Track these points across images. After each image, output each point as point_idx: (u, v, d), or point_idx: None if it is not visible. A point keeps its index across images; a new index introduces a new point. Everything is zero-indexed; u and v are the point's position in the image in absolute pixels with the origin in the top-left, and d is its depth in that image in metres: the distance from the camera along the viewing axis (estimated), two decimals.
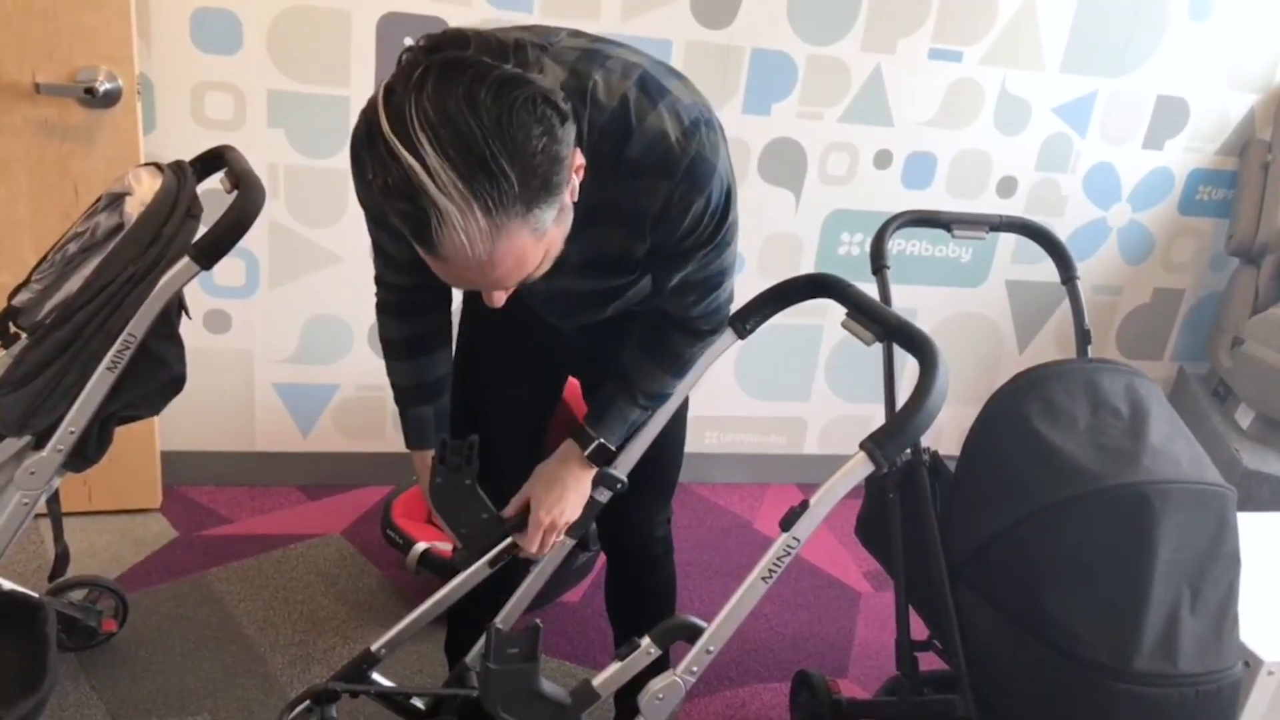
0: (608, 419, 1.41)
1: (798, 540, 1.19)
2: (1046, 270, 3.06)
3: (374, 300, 1.46)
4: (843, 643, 2.41)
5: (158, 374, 1.51)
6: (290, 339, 2.60)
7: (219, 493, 2.66)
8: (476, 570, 1.51)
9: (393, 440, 2.75)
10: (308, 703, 1.49)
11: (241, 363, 2.60)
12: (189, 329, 2.57)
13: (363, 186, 1.28)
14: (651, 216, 1.21)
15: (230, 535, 2.50)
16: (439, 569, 2.16)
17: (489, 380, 1.60)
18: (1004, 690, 1.58)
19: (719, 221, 1.24)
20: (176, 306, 1.52)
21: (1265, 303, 2.95)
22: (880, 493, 1.91)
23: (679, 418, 1.59)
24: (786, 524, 1.19)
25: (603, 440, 1.41)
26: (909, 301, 2.96)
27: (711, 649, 1.17)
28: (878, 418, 3.10)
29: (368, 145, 0.99)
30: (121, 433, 2.44)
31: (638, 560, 1.72)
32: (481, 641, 1.59)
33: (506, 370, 1.59)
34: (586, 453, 1.41)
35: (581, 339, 1.50)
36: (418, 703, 1.61)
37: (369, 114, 1.02)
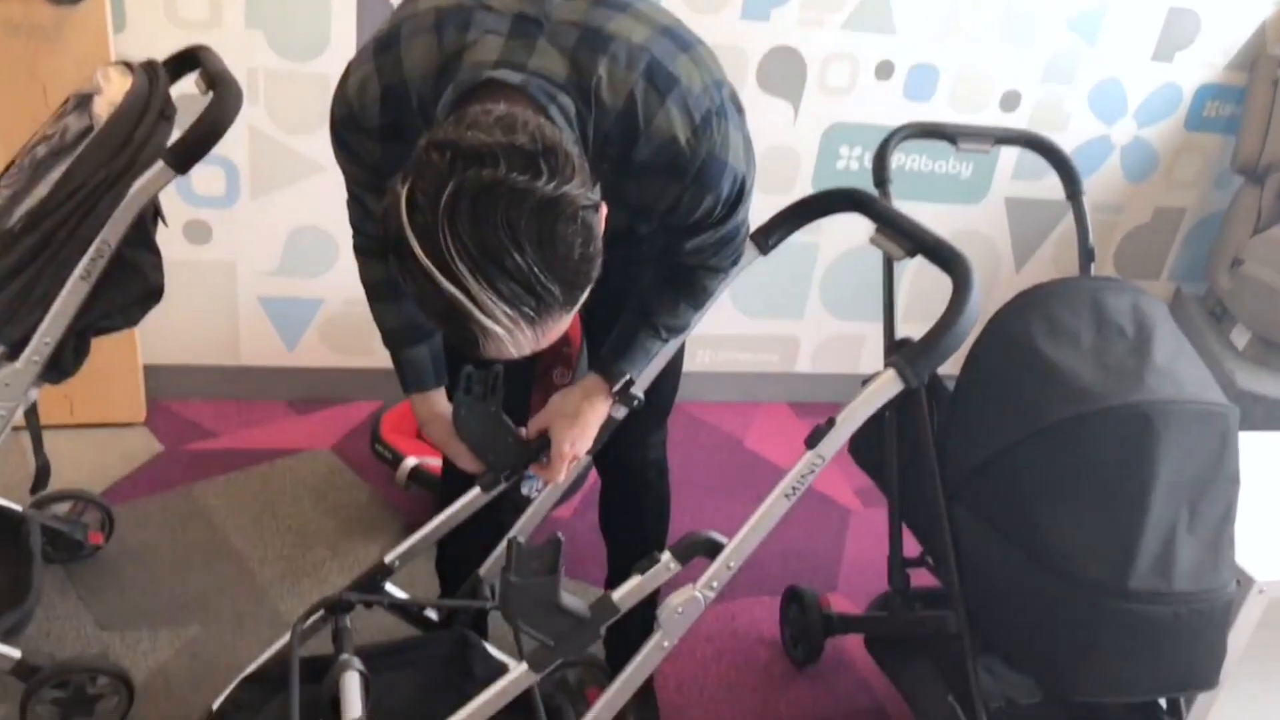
0: (631, 352, 1.38)
1: (822, 458, 1.17)
2: (1047, 188, 3.01)
3: (351, 241, 1.40)
4: (832, 558, 2.42)
5: (134, 284, 1.45)
6: (273, 251, 2.54)
7: (204, 407, 2.62)
8: (479, 495, 1.48)
9: (380, 356, 2.68)
10: (321, 612, 1.48)
11: (224, 275, 2.54)
12: (168, 239, 2.53)
13: (346, 158, 1.24)
14: (659, 210, 1.20)
15: (217, 449, 2.48)
16: (430, 484, 2.15)
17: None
18: (996, 607, 1.58)
19: (733, 206, 1.23)
20: (152, 213, 1.46)
21: (1267, 223, 2.90)
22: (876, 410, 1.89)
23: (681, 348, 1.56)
24: (812, 441, 1.17)
25: (629, 375, 1.38)
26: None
27: (732, 565, 1.16)
28: (872, 337, 3.11)
29: (394, 252, 0.95)
30: (101, 345, 2.38)
31: (632, 481, 1.70)
32: (497, 554, 1.58)
33: None
34: (615, 389, 1.38)
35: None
36: (431, 614, 1.60)
37: (391, 212, 0.95)
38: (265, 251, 2.53)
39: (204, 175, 2.42)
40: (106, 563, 2.07)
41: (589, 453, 1.43)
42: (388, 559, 1.50)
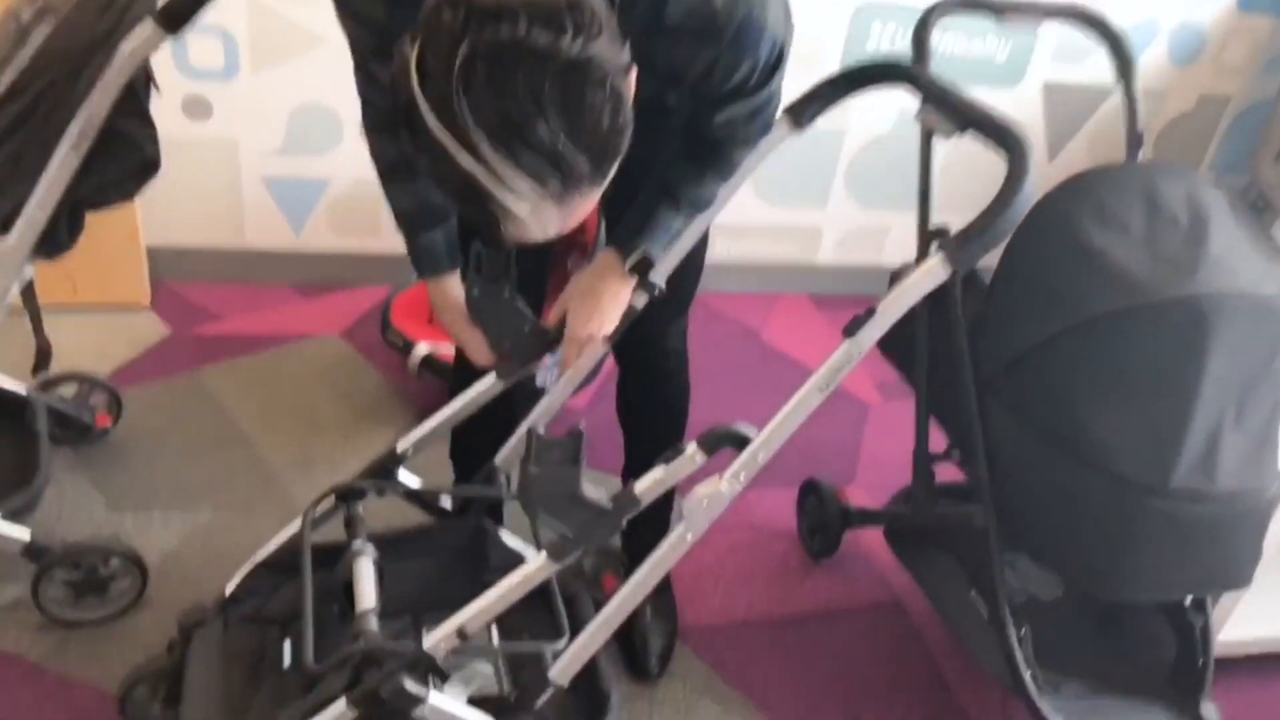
0: (649, 228, 1.29)
1: (861, 348, 1.10)
2: (1088, 71, 2.85)
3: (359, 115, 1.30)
4: (850, 452, 2.38)
5: (128, 156, 1.37)
6: (277, 128, 2.43)
7: (210, 290, 2.56)
8: (496, 383, 1.43)
9: (389, 239, 2.60)
10: (333, 499, 1.44)
11: (226, 153, 2.44)
12: (167, 116, 2.42)
13: (350, 20, 1.16)
14: (691, 77, 1.11)
15: (224, 334, 2.42)
16: (442, 372, 2.09)
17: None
18: (1027, 503, 1.54)
19: (770, 73, 1.16)
20: (144, 80, 1.37)
21: None
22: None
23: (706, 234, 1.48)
24: (851, 329, 1.10)
25: (646, 250, 1.30)
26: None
27: (761, 458, 1.11)
28: (898, 227, 3.01)
29: (405, 124, 0.87)
30: (102, 224, 2.30)
31: (651, 372, 1.64)
32: (513, 443, 1.53)
33: None
34: (629, 265, 1.30)
35: None
36: (446, 503, 1.57)
37: (400, 79, 0.87)
38: (268, 129, 2.43)
39: (201, 47, 2.29)
40: (116, 446, 2.04)
41: (608, 339, 1.36)
42: (399, 446, 1.46)
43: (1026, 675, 1.51)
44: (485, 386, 1.44)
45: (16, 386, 1.85)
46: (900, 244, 2.99)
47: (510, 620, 1.32)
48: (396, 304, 2.24)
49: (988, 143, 1.14)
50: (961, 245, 1.06)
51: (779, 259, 2.96)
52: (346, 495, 1.42)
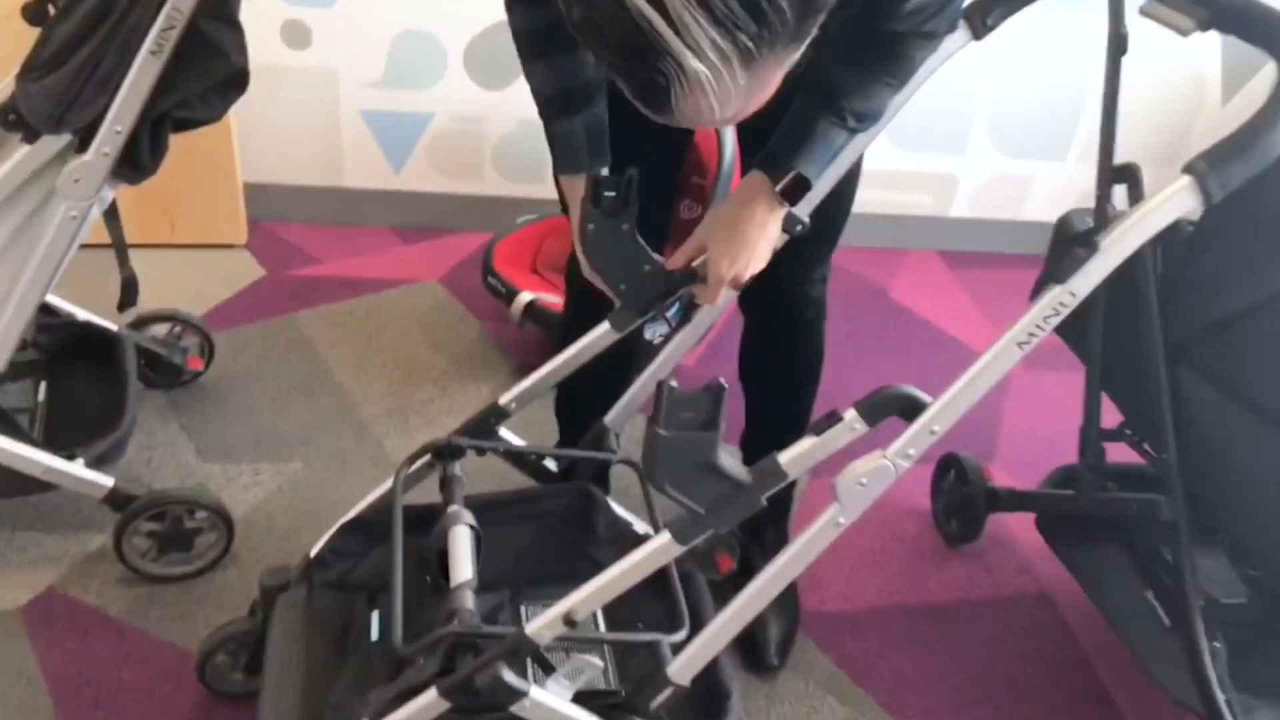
0: (808, 145, 1.09)
1: (1074, 295, 0.89)
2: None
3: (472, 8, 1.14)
4: (989, 426, 2.15)
5: (214, 64, 1.23)
6: (377, 58, 2.29)
7: (307, 231, 2.45)
8: (609, 331, 1.25)
9: (492, 181, 2.48)
10: (428, 457, 1.30)
11: (325, 84, 2.31)
12: (266, 43, 2.29)
13: None
14: None
15: (320, 276, 2.32)
16: (547, 322, 1.94)
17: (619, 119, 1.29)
18: (1228, 491, 1.31)
19: None
20: None
21: None
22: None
23: (857, 163, 1.27)
24: (1060, 274, 0.89)
25: (801, 171, 1.09)
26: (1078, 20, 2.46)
27: (937, 429, 0.91)
28: (1042, 177, 2.72)
29: None
30: (199, 160, 2.23)
31: (787, 323, 1.45)
32: (625, 401, 1.37)
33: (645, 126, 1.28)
34: (779, 187, 1.10)
35: None
36: (550, 464, 1.41)
37: None
38: (368, 58, 2.29)
39: None
40: (208, 390, 1.95)
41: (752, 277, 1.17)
42: (502, 401, 1.30)
43: (1221, 699, 1.28)
44: (596, 335, 1.27)
45: (107, 324, 1.76)
46: (1043, 197, 2.71)
47: (618, 605, 1.16)
48: (499, 248, 2.08)
49: (1244, 39, 0.90)
50: (1216, 167, 0.83)
51: (909, 210, 2.71)
52: (443, 453, 1.28)
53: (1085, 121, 2.61)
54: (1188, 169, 0.86)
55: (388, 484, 1.30)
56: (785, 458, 0.93)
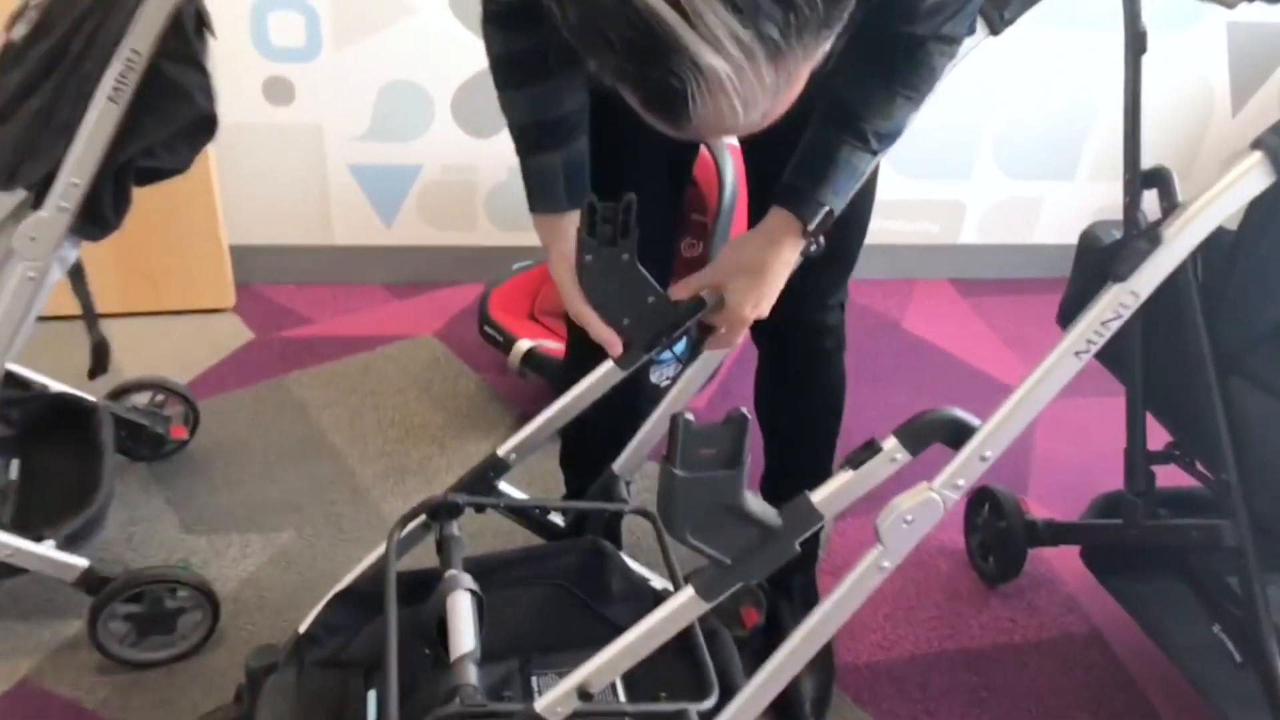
0: (832, 174, 1.00)
1: (1136, 294, 0.79)
2: None
3: (479, 23, 1.06)
4: (1019, 456, 2.04)
5: (178, 109, 1.15)
6: (363, 111, 2.23)
7: (297, 291, 2.37)
8: (614, 370, 1.16)
9: (486, 231, 2.41)
10: (424, 517, 1.19)
11: (310, 140, 2.25)
12: (248, 101, 2.24)
13: None
14: None
15: (311, 336, 2.23)
16: (548, 370, 1.84)
17: (617, 146, 1.21)
18: None
19: None
20: (193, 16, 1.15)
21: None
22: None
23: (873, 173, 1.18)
24: (1121, 269, 0.79)
25: (830, 205, 1.01)
26: (1083, 37, 2.40)
27: (988, 455, 0.81)
28: (1053, 199, 2.64)
29: None
30: (183, 223, 2.16)
31: (806, 354, 1.35)
32: (634, 446, 1.27)
33: (642, 147, 1.20)
34: (812, 226, 1.01)
35: None
36: (555, 518, 1.31)
37: None
38: (354, 112, 2.23)
39: (281, 22, 2.11)
40: (193, 460, 1.85)
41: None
42: (501, 451, 1.21)
43: None
44: (600, 375, 1.17)
45: (84, 395, 1.67)
46: (1053, 220, 2.63)
47: (638, 669, 1.04)
48: (495, 295, 2.00)
49: None
50: None
51: (918, 239, 2.63)
52: (439, 512, 1.17)
53: (1092, 140, 2.54)
54: (1257, 144, 0.77)
55: (382, 549, 1.20)
56: (819, 496, 0.83)
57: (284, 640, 1.23)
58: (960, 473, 0.82)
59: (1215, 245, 1.30)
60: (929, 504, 0.82)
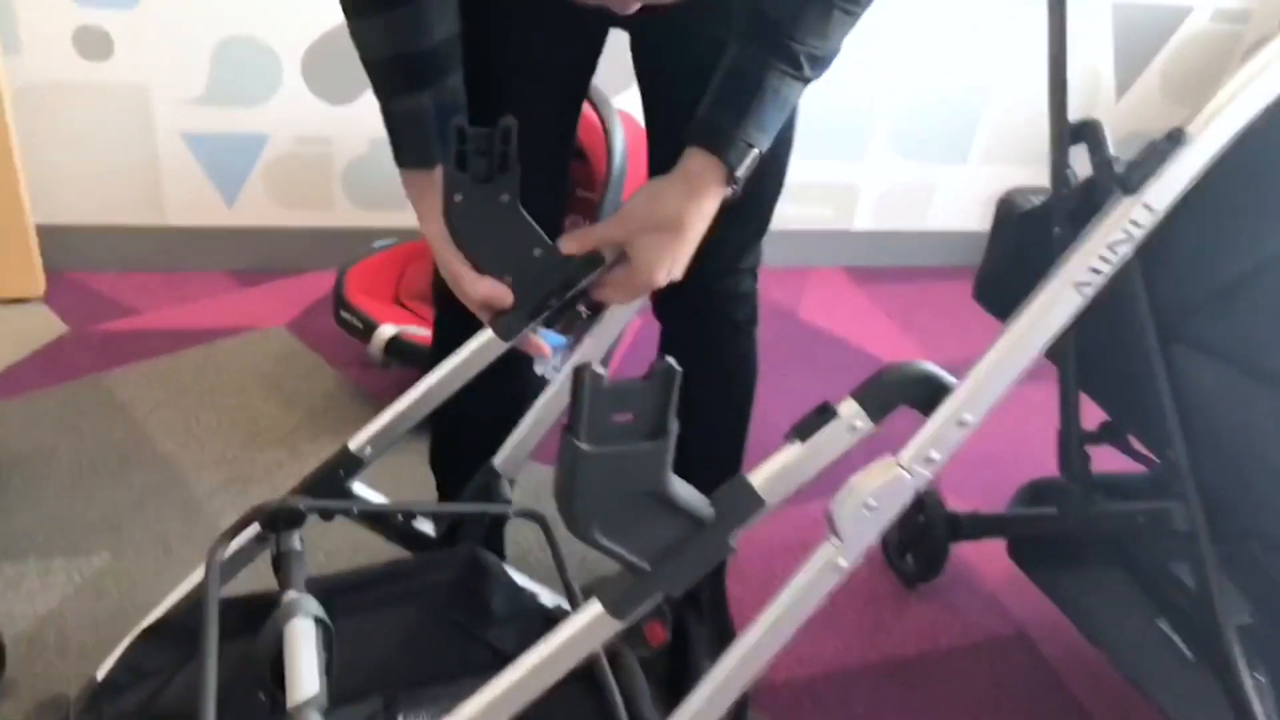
0: (758, 108, 0.83)
1: (1151, 209, 0.64)
2: None
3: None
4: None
5: None
6: (197, 70, 1.95)
7: (123, 279, 2.07)
8: (492, 342, 0.95)
9: (344, 211, 2.16)
10: (255, 528, 0.96)
11: (135, 103, 1.95)
12: (56, 54, 1.90)
13: None
14: None
15: (138, 329, 1.93)
16: (415, 358, 1.62)
17: (504, 76, 1.02)
18: (1254, 480, 1.09)
19: None
20: None
21: None
22: (1031, 232, 1.37)
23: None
24: (1131, 180, 0.64)
25: (758, 145, 0.84)
26: (976, 19, 2.34)
27: (968, 419, 0.64)
28: (947, 183, 2.56)
29: None
30: None
31: (714, 325, 1.18)
32: (518, 439, 1.06)
33: (526, 41, 1.00)
34: (740, 172, 0.84)
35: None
36: (424, 526, 1.09)
37: None
38: (186, 69, 1.94)
39: None
40: None
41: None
42: (353, 445, 0.99)
43: None
44: (474, 350, 0.97)
45: None
46: (946, 205, 2.56)
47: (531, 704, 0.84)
48: (353, 276, 1.75)
49: None
50: None
51: (810, 225, 2.51)
52: (276, 520, 0.94)
53: (985, 124, 2.47)
54: None
55: (202, 571, 0.95)
56: (760, 477, 0.65)
57: (79, 691, 0.98)
58: (934, 442, 0.65)
59: None
60: (897, 483, 0.65)
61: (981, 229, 2.63)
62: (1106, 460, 1.31)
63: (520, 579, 1.11)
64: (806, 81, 0.86)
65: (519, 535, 1.45)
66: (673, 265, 0.88)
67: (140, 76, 1.92)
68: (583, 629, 0.67)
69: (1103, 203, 1.21)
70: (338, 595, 0.92)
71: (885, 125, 2.41)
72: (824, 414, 0.64)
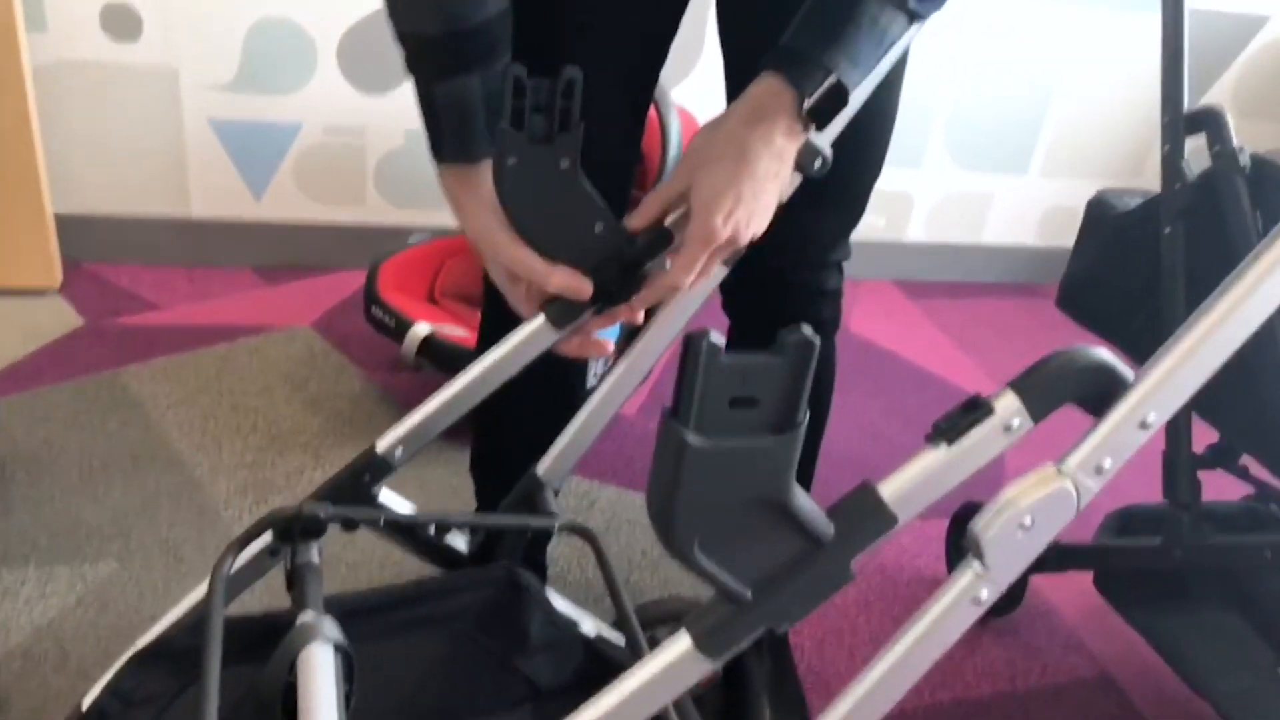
0: (848, 35, 0.71)
1: None
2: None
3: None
4: (992, 472, 1.77)
5: None
6: (229, 54, 1.86)
7: (144, 272, 1.98)
8: (541, 331, 0.83)
9: (376, 206, 2.06)
10: (268, 538, 0.84)
11: (162, 87, 1.86)
12: (79, 33, 1.80)
13: None
14: None
15: (157, 325, 1.83)
16: (450, 361, 1.50)
17: (575, 32, 0.90)
18: None
19: None
20: None
21: None
22: (1130, 234, 1.24)
23: (898, 71, 0.90)
24: None
25: (840, 76, 0.71)
26: (1041, 21, 2.21)
27: (1151, 420, 0.51)
28: (1004, 193, 2.42)
29: None
30: None
31: (795, 324, 1.05)
32: (567, 441, 0.94)
33: (602, 20, 0.89)
34: (812, 101, 0.71)
35: None
36: (457, 541, 0.97)
37: None
38: (218, 55, 1.85)
39: None
40: None
41: (753, 242, 0.78)
42: (381, 447, 0.87)
43: None
44: (525, 336, 0.85)
45: None
46: (1005, 217, 2.43)
47: None
48: (386, 271, 1.65)
49: None
50: None
51: (862, 235, 2.38)
52: (290, 531, 0.82)
53: (1047, 132, 2.35)
54: None
55: (204, 589, 0.84)
56: (891, 487, 0.52)
57: (66, 716, 0.86)
58: (1109, 448, 0.53)
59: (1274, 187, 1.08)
60: (1060, 498, 0.53)
61: (1041, 244, 2.51)
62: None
63: (561, 603, 0.99)
64: (911, 15, 0.73)
65: (558, 555, 1.34)
66: (737, 208, 0.73)
67: (169, 59, 1.83)
68: (666, 669, 0.54)
69: (1224, 195, 1.09)
70: (360, 617, 0.80)
71: (943, 131, 2.29)
72: (976, 409, 0.52)
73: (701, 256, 0.75)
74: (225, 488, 1.48)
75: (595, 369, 1.60)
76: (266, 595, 0.87)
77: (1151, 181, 1.19)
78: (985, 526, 0.54)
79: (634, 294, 0.81)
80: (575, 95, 0.74)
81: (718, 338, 0.43)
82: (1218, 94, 2.40)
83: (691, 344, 0.42)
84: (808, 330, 0.46)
